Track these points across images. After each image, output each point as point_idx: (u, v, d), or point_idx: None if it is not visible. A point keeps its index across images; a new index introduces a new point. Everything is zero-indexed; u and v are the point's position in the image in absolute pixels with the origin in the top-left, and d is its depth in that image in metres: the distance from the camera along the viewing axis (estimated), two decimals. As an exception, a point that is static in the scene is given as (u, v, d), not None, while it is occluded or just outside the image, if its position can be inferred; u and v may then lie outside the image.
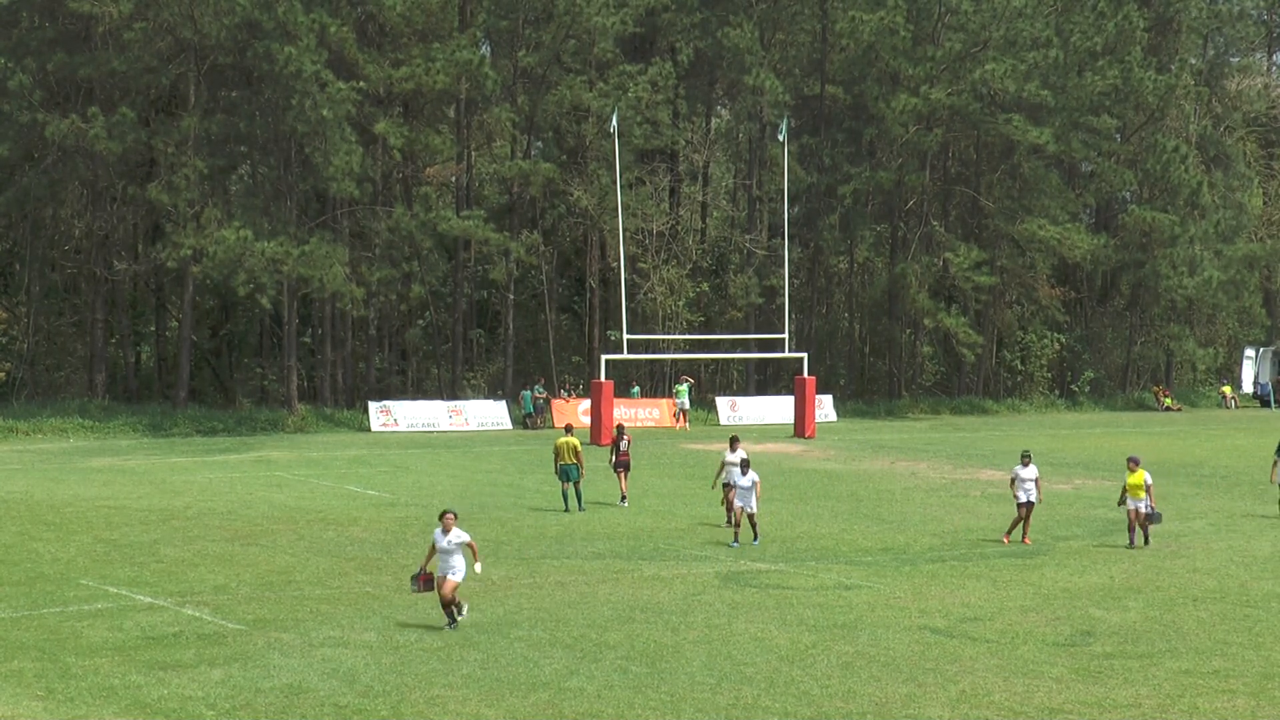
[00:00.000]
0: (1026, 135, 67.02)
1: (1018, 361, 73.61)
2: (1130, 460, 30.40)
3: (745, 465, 30.12)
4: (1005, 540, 30.47)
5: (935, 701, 18.38)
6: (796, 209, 68.72)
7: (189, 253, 54.18)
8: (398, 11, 57.88)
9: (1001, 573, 27.27)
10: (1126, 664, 20.39)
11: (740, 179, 72.32)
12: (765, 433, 56.85)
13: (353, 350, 61.85)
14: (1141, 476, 29.73)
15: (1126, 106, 73.34)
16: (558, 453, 34.29)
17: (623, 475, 35.79)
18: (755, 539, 29.85)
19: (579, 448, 34.35)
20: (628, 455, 35.92)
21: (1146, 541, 29.93)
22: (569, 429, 35.61)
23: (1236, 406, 76.67)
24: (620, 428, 36.86)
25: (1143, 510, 29.83)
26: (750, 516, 29.69)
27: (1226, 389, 77.93)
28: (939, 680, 19.33)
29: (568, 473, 34.21)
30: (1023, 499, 30.47)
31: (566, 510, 34.00)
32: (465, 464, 45.18)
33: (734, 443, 32.21)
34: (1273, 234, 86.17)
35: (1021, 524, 30.65)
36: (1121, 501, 30.35)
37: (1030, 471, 30.61)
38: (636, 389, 60.55)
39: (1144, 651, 21.15)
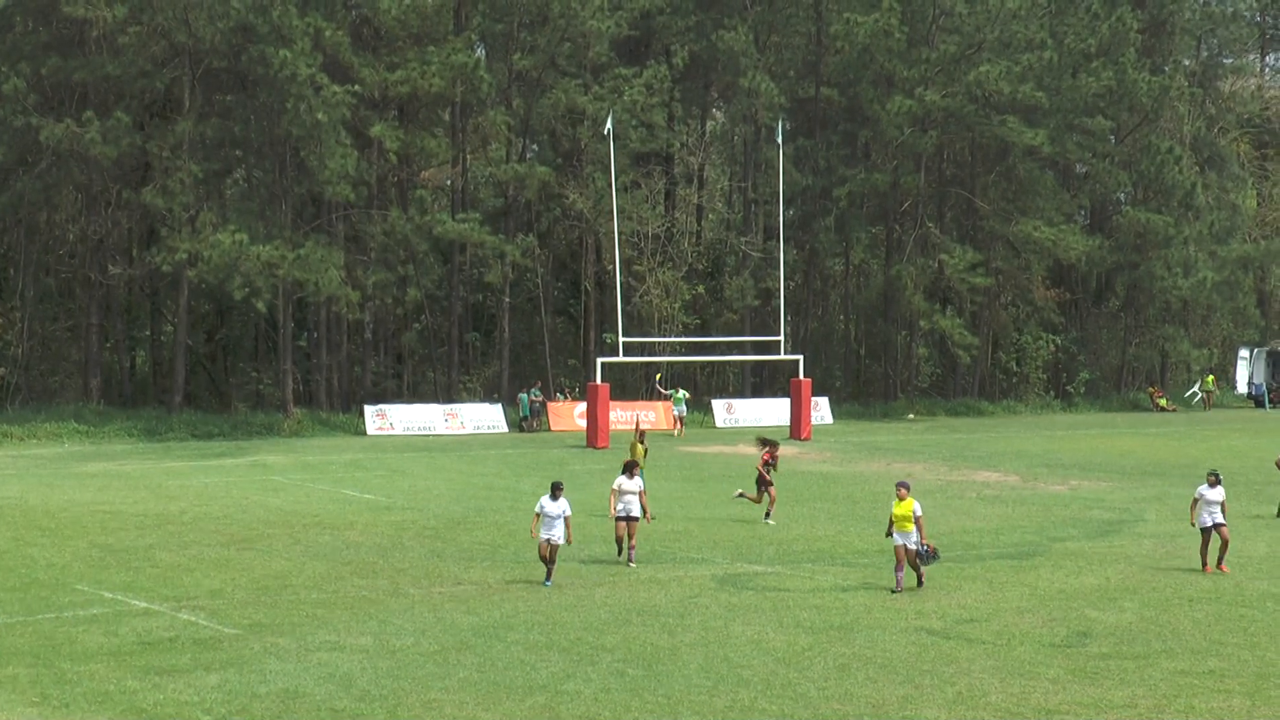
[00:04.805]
0: (1021, 137, 67.07)
1: (1013, 363, 73.63)
2: (899, 486, 25.90)
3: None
4: (1207, 569, 27.50)
5: (932, 703, 18.39)
6: (792, 211, 68.75)
7: (184, 257, 54.14)
8: (393, 15, 57.88)
9: (997, 574, 27.28)
10: (1122, 665, 20.41)
11: (735, 181, 72.34)
12: (761, 435, 56.77)
13: (348, 354, 61.83)
14: (910, 506, 25.24)
15: (1121, 108, 73.38)
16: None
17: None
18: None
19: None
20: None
21: (920, 583, 25.47)
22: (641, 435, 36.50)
23: (1208, 406, 76.28)
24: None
25: (911, 546, 25.30)
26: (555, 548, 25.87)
27: (1209, 379, 77.69)
28: (935, 682, 19.34)
29: None
30: (1207, 523, 27.49)
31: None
32: (461, 467, 45.17)
33: (630, 468, 28.34)
34: (1266, 235, 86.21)
35: (1218, 550, 27.61)
36: (889, 534, 25.92)
37: (1217, 494, 27.60)
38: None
39: (1140, 652, 21.17)
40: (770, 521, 33.31)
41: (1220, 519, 27.50)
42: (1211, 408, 76.04)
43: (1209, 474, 28.18)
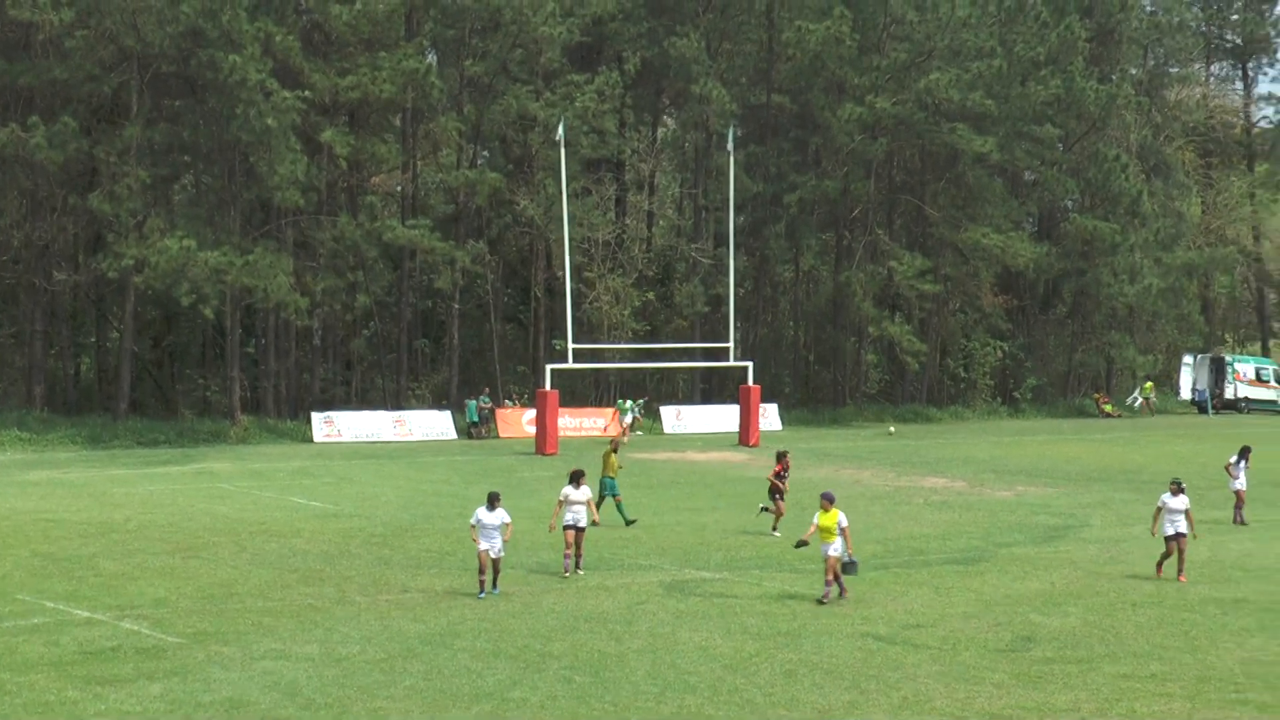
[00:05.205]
0: (970, 144, 67.42)
1: (961, 369, 73.96)
2: (823, 497, 25.64)
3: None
4: (1159, 573, 27.62)
5: (878, 708, 18.48)
6: (742, 218, 68.85)
7: (131, 263, 53.75)
8: (344, 20, 57.64)
9: (944, 580, 27.42)
10: (1066, 669, 20.56)
11: (686, 188, 72.39)
12: (710, 441, 56.95)
13: (296, 361, 61.52)
14: (835, 517, 25.09)
15: (1069, 116, 73.88)
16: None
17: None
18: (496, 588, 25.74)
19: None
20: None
21: (841, 594, 25.16)
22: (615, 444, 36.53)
23: (1147, 412, 76.73)
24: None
25: (833, 555, 25.02)
26: (496, 562, 25.37)
27: (1149, 385, 78.21)
28: (881, 687, 19.44)
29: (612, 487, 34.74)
30: (1169, 531, 27.58)
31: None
32: (410, 474, 45.03)
33: (578, 477, 27.90)
34: (1210, 242, 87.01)
35: (1176, 558, 27.56)
36: (800, 543, 26.16)
37: (1180, 502, 27.63)
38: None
39: (1083, 656, 21.32)
40: (776, 534, 32.69)
41: (1182, 528, 27.54)
42: (1152, 414, 76.50)
43: (1171, 483, 28.23)
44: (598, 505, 34.10)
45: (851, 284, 67.55)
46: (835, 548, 25.03)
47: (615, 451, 36.06)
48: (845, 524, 25.22)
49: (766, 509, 33.58)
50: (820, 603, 24.85)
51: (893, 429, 63.41)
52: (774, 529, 33.18)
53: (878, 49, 68.29)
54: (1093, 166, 74.81)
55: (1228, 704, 18.94)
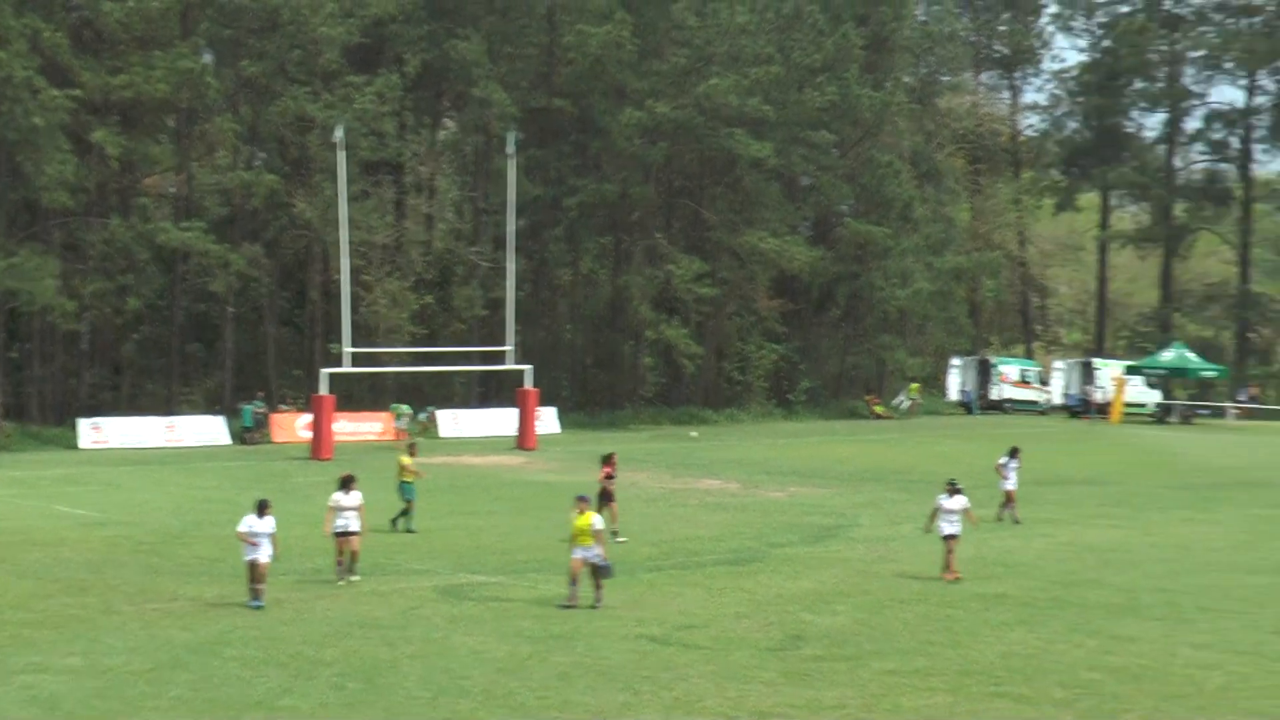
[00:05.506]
0: (748, 149, 68.18)
1: (737, 372, 74.93)
2: (578, 499, 25.41)
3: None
4: (945, 577, 27.75)
5: (650, 708, 18.66)
6: (522, 221, 68.77)
7: (-113, 264, 51.89)
8: (115, 18, 56.26)
9: (717, 580, 27.77)
10: (834, 666, 20.98)
11: (466, 191, 72.15)
12: (488, 445, 56.80)
13: (63, 365, 59.84)
14: (589, 519, 24.75)
15: (844, 122, 75.31)
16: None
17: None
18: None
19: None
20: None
21: (597, 603, 24.68)
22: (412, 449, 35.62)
23: (912, 413, 78.48)
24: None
25: (591, 559, 24.74)
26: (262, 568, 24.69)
27: (914, 387, 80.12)
28: (654, 688, 19.62)
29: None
30: (945, 531, 27.97)
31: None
32: (180, 481, 44.08)
33: (348, 483, 27.37)
34: (978, 247, 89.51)
35: (945, 557, 28.01)
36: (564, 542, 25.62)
37: (955, 503, 28.11)
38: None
39: (851, 653, 21.78)
40: (622, 539, 32.05)
41: (957, 529, 27.95)
42: (917, 415, 78.18)
43: (947, 483, 28.74)
44: (404, 512, 33.85)
45: (630, 287, 67.99)
46: (590, 551, 24.72)
47: (411, 455, 35.47)
48: (600, 526, 24.99)
49: (615, 532, 32.31)
50: (564, 608, 24.50)
51: (695, 433, 64.08)
52: (615, 535, 32.35)
53: (658, 54, 68.85)
54: (867, 172, 76.43)
55: (988, 696, 19.52)
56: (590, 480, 44.91)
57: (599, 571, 24.80)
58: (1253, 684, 20.40)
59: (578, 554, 24.78)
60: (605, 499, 32.61)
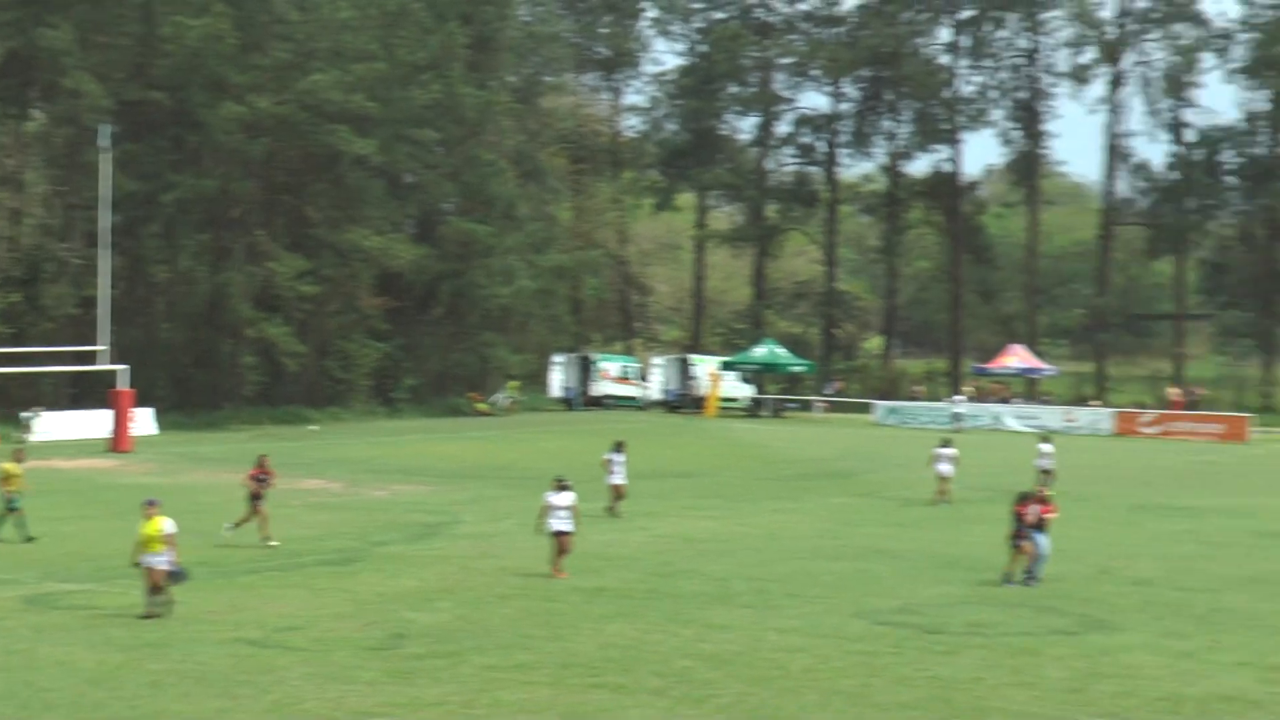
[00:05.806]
0: (351, 146, 67.60)
1: (339, 370, 74.26)
2: (146, 504, 24.32)
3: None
4: (556, 575, 27.69)
5: (248, 713, 18.39)
6: (117, 217, 66.50)
7: None
8: None
9: (318, 581, 27.52)
10: (436, 663, 21.06)
11: (56, 186, 69.31)
12: (80, 448, 54.71)
13: None
14: (158, 525, 23.75)
15: (448, 120, 75.49)
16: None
17: None
18: None
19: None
20: None
21: (170, 609, 23.77)
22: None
23: (511, 408, 79.25)
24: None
25: (163, 567, 23.72)
26: None
27: (513, 385, 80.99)
28: (252, 692, 19.33)
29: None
30: (556, 528, 27.89)
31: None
32: None
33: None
34: (580, 245, 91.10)
35: (558, 555, 27.96)
36: (136, 562, 24.07)
37: (564, 499, 27.99)
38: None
39: (453, 650, 21.89)
40: (274, 543, 31.22)
41: (567, 526, 27.91)
42: (517, 412, 78.77)
43: (555, 480, 28.66)
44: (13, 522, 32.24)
45: (230, 285, 66.61)
46: (160, 557, 23.71)
47: (19, 460, 33.70)
48: (172, 530, 23.94)
49: (239, 525, 31.99)
50: (144, 618, 23.59)
51: (315, 427, 63.16)
52: (236, 525, 31.96)
53: (259, 48, 67.64)
54: (470, 170, 76.84)
55: (586, 688, 19.91)
56: (189, 482, 44.02)
57: (171, 578, 23.82)
58: (833, 665, 21.38)
59: (148, 561, 23.71)
60: (254, 501, 32.10)
